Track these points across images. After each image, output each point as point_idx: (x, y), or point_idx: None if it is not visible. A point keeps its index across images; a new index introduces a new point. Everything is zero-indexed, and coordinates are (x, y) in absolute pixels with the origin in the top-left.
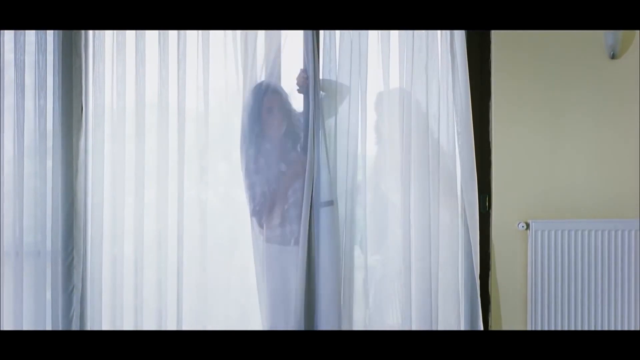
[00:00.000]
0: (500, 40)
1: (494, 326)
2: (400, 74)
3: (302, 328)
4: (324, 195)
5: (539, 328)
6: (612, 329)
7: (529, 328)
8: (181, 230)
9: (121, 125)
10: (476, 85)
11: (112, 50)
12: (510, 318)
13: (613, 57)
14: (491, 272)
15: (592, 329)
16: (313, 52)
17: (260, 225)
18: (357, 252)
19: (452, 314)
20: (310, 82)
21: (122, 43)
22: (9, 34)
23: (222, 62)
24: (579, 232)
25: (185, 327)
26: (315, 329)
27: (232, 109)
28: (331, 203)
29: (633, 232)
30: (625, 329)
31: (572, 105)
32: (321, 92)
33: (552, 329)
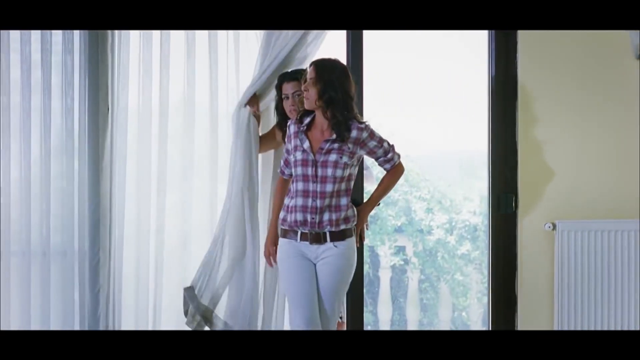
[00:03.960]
0: (527, 40)
1: (521, 326)
2: None
3: None
4: None
5: (565, 328)
6: (638, 329)
7: (555, 328)
8: (209, 231)
9: (146, 126)
10: (503, 85)
11: (138, 51)
12: (537, 318)
13: (639, 57)
14: (518, 273)
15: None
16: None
17: None
18: None
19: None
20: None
21: (148, 43)
22: (35, 34)
23: (252, 63)
24: (606, 233)
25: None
26: None
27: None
28: None
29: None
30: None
31: (598, 106)
32: None
33: (579, 329)
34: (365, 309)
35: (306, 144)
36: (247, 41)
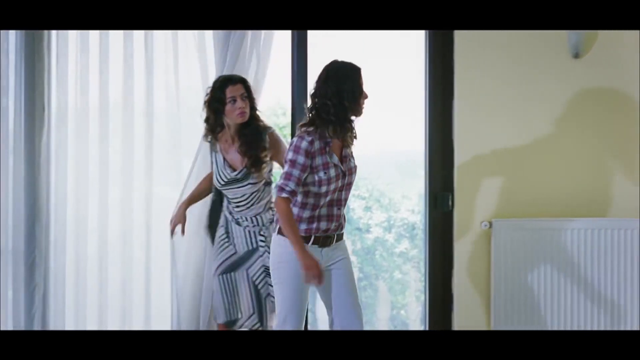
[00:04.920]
0: (464, 39)
1: (457, 325)
2: None
3: None
4: None
5: (502, 327)
6: (575, 328)
7: (492, 327)
8: (149, 229)
9: (85, 125)
10: (439, 85)
11: (75, 50)
12: (473, 317)
13: (576, 56)
14: (455, 271)
15: (555, 328)
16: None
17: None
18: None
19: None
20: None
21: (85, 43)
22: None
23: (190, 61)
24: (542, 232)
25: (154, 326)
26: None
27: (199, 107)
28: None
29: (596, 231)
30: (589, 328)
31: (535, 104)
32: None
33: (515, 328)
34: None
35: (335, 159)
36: (185, 41)
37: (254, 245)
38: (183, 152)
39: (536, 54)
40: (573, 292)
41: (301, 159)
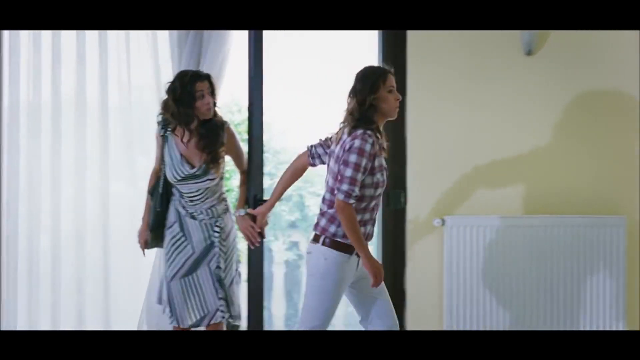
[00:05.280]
0: (417, 37)
1: (410, 323)
2: None
3: None
4: None
5: (454, 325)
6: (527, 328)
7: (445, 325)
8: (104, 226)
9: (37, 121)
10: None
11: (27, 47)
12: (426, 315)
13: (529, 53)
14: (407, 269)
15: (508, 327)
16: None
17: None
18: None
19: None
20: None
21: (37, 40)
22: None
23: (143, 59)
24: (494, 229)
25: (112, 326)
26: None
27: (153, 104)
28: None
29: (549, 229)
30: (540, 328)
31: (488, 102)
32: None
33: (468, 326)
34: None
35: (384, 161)
36: (138, 39)
37: (211, 238)
38: (137, 149)
39: (489, 51)
40: (527, 289)
41: (365, 162)
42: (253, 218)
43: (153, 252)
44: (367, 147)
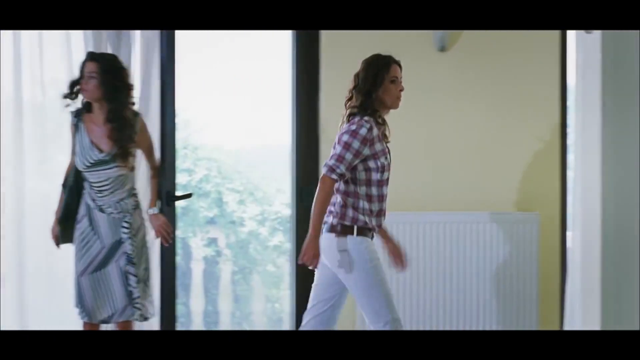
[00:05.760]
0: (330, 35)
1: None
2: None
3: None
4: None
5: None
6: (439, 325)
7: (357, 324)
8: (19, 223)
9: None
10: (304, 82)
11: None
12: (342, 312)
13: (442, 49)
14: None
15: (421, 324)
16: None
17: None
18: None
19: None
20: None
21: None
22: None
23: (58, 55)
24: (409, 225)
25: (29, 326)
26: None
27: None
28: None
29: (463, 225)
30: (453, 324)
31: (402, 98)
32: None
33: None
34: (177, 300)
35: (387, 146)
36: (51, 38)
37: (120, 234)
38: (53, 146)
39: (401, 48)
40: (441, 285)
41: (356, 144)
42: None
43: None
44: (362, 131)
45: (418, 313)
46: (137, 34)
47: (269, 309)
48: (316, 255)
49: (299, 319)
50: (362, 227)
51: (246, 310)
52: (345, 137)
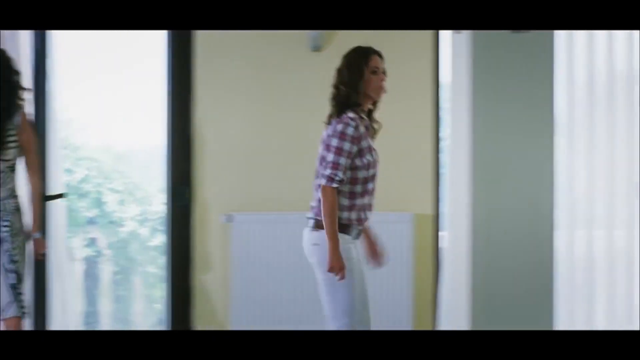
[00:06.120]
0: (204, 36)
1: (198, 322)
2: None
3: None
4: None
5: (243, 324)
6: (317, 324)
7: (231, 325)
8: None
9: None
10: (179, 79)
11: None
12: (214, 313)
13: (316, 49)
14: (195, 266)
15: (297, 324)
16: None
17: None
18: None
19: None
20: None
21: None
22: None
23: None
24: (283, 225)
25: None
26: None
27: None
28: None
29: None
30: (305, 326)
31: (275, 98)
32: None
33: (256, 325)
34: (54, 300)
35: (371, 142)
36: None
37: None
38: None
39: (276, 48)
40: (316, 285)
41: (347, 145)
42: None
43: None
44: (350, 131)
45: (295, 309)
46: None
47: (149, 309)
48: (342, 266)
49: (174, 317)
50: (345, 224)
51: (127, 311)
52: (335, 142)
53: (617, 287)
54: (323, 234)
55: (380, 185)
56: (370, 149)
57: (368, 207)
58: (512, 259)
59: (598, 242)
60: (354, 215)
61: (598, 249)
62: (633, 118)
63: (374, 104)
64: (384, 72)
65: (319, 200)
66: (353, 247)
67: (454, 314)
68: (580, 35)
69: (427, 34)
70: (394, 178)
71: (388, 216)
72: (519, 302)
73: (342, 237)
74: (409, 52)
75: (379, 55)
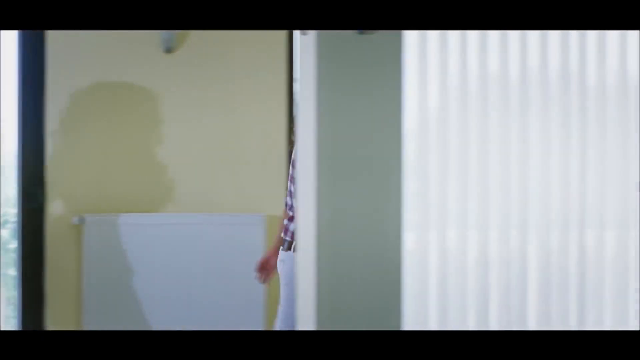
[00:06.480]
0: (56, 36)
1: (50, 324)
2: None
3: None
4: None
5: (95, 327)
6: (169, 327)
7: (84, 327)
8: None
9: None
10: (30, 80)
11: None
12: (66, 316)
13: (168, 51)
14: (46, 268)
15: (153, 326)
16: None
17: None
18: None
19: None
20: None
21: None
22: None
23: None
24: (137, 227)
25: None
26: None
27: None
28: None
29: (191, 227)
30: (185, 326)
31: (128, 100)
32: None
33: (109, 327)
34: None
35: None
36: None
37: None
38: None
39: (128, 49)
40: (170, 287)
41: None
42: None
43: None
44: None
45: (150, 312)
46: None
47: (10, 311)
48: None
49: (25, 320)
50: (289, 240)
51: None
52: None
53: (469, 286)
54: (291, 254)
55: (232, 187)
56: None
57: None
58: (359, 259)
59: (450, 242)
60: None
61: (451, 250)
62: (487, 116)
63: None
64: None
65: (292, 220)
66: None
67: (302, 314)
68: (433, 35)
69: (281, 34)
70: (245, 179)
71: (239, 217)
72: (366, 303)
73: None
74: (263, 54)
75: None
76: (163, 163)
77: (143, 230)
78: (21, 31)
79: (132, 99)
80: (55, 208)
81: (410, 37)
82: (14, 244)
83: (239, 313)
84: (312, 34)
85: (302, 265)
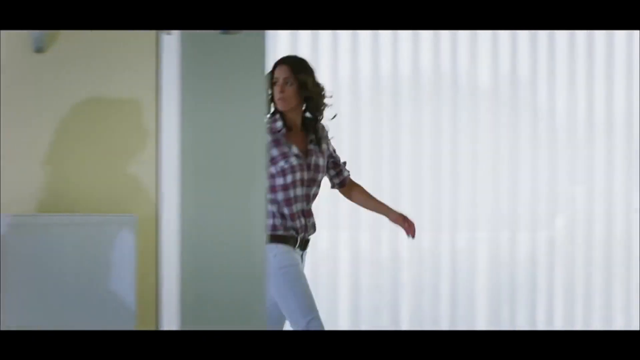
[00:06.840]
0: None
1: None
2: None
3: None
4: None
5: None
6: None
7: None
8: None
9: None
10: None
11: None
12: None
13: (39, 50)
14: None
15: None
16: None
17: None
18: None
19: None
20: None
21: None
22: None
23: None
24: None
25: None
26: None
27: None
28: None
29: (59, 228)
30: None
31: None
32: None
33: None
34: None
35: (295, 150)
36: None
37: None
38: None
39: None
40: (43, 290)
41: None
42: None
43: None
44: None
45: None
46: None
47: None
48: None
49: None
50: (273, 235)
51: None
52: None
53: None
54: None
55: (103, 187)
56: (287, 155)
57: (301, 214)
58: (224, 259)
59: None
60: (289, 223)
61: (322, 249)
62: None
63: (315, 112)
64: (287, 82)
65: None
66: (295, 254)
67: (170, 314)
68: (304, 34)
69: (152, 34)
70: (117, 179)
71: (110, 218)
72: (231, 304)
73: (275, 248)
74: (134, 54)
75: (288, 64)
76: (36, 163)
77: (11, 231)
78: None
79: (5, 99)
80: None
81: (282, 37)
82: None
83: (110, 312)
84: (176, 33)
85: (168, 267)
